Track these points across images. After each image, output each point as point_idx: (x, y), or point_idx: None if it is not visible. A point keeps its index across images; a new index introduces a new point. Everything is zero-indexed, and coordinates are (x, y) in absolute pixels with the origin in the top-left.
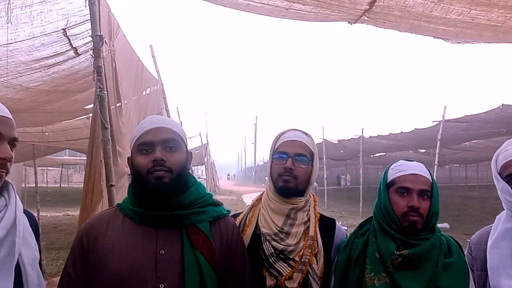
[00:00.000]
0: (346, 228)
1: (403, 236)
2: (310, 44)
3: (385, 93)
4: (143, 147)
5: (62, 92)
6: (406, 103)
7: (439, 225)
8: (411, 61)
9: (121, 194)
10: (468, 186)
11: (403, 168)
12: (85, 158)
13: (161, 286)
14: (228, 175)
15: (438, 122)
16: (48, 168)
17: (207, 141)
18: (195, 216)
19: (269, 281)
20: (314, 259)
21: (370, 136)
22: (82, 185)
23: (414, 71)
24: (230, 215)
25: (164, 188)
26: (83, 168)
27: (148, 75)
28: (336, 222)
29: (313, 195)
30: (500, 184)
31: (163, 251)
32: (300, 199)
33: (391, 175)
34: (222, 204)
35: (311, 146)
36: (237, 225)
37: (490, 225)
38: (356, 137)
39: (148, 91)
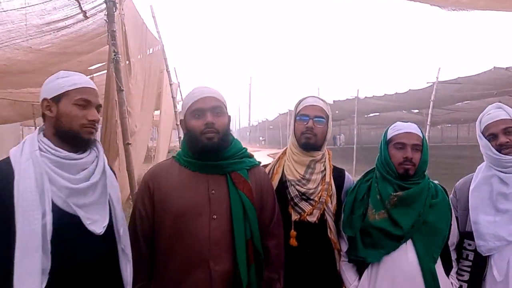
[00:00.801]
0: None
1: (399, 181)
2: (306, 5)
3: (381, 55)
4: (196, 112)
5: (69, 54)
6: (401, 64)
7: None
8: (407, 23)
9: (132, 150)
10: (459, 146)
11: (399, 128)
12: None
13: (214, 217)
14: None
15: (432, 84)
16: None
17: None
18: (236, 165)
19: (294, 216)
20: (329, 199)
21: (365, 97)
22: None
23: (409, 33)
24: (261, 165)
25: (214, 146)
26: None
27: (151, 36)
28: (346, 172)
29: (328, 150)
30: (483, 142)
31: (213, 191)
32: (318, 153)
33: (390, 134)
34: (254, 156)
35: (327, 110)
36: (267, 173)
37: (473, 173)
38: (351, 97)
39: (151, 51)
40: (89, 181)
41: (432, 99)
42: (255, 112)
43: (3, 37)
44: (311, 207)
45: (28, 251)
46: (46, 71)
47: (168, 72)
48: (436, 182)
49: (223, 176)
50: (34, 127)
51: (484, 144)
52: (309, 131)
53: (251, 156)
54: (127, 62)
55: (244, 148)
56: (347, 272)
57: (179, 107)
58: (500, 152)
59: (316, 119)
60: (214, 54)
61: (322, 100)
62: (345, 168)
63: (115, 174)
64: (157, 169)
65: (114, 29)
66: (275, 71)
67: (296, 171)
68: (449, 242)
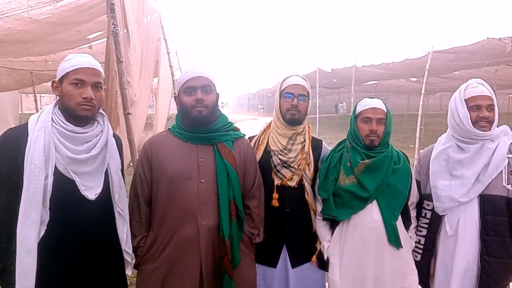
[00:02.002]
0: None
1: (366, 150)
2: None
3: (378, 24)
4: (188, 90)
5: (68, 23)
6: (398, 34)
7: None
8: None
9: (131, 119)
10: None
11: (366, 103)
12: None
13: (202, 180)
14: (222, 103)
15: (427, 53)
16: (41, 94)
17: None
18: (222, 136)
19: (277, 181)
20: (307, 167)
21: (363, 65)
22: None
23: (407, 3)
24: (247, 137)
25: (202, 118)
26: None
27: (148, 5)
28: (323, 142)
29: (308, 123)
30: (463, 111)
31: (202, 159)
32: (300, 127)
33: (358, 109)
34: (239, 130)
35: (308, 88)
36: (253, 144)
37: (434, 144)
38: (349, 66)
39: (148, 19)
40: (89, 153)
41: (426, 68)
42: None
43: (4, 8)
44: (291, 173)
45: (31, 205)
46: (45, 41)
47: (165, 40)
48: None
49: (211, 146)
50: (33, 94)
51: (463, 113)
52: (294, 108)
53: (236, 130)
54: (125, 30)
55: (230, 122)
56: (322, 229)
57: (176, 76)
58: (474, 125)
59: (300, 97)
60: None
61: (304, 78)
62: (342, 136)
63: (120, 142)
64: (154, 139)
65: (113, 2)
66: (274, 38)
67: (279, 142)
68: (409, 202)
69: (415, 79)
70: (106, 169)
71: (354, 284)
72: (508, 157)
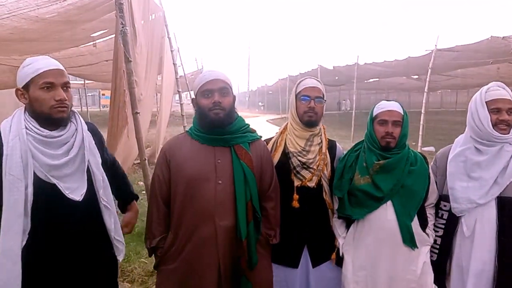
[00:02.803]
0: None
1: (382, 151)
2: None
3: (381, 22)
4: (206, 92)
5: (73, 22)
6: (401, 32)
7: (425, 149)
8: None
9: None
10: (457, 111)
11: (383, 106)
12: (81, 82)
13: (220, 182)
14: None
15: (430, 51)
16: None
17: (202, 66)
18: (239, 138)
19: (297, 182)
20: (325, 167)
21: (365, 63)
22: (108, 112)
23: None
24: (262, 139)
25: (220, 121)
26: (76, 92)
27: (152, 2)
28: (337, 143)
29: (322, 125)
30: (483, 112)
31: (219, 160)
32: (316, 128)
33: (375, 112)
34: (256, 131)
35: (323, 90)
36: (271, 146)
37: (451, 145)
38: (351, 64)
39: (153, 17)
40: (68, 156)
41: (430, 66)
42: (255, 77)
43: (11, 7)
44: (310, 174)
45: (13, 216)
46: (51, 39)
47: (169, 38)
48: (430, 148)
49: (228, 148)
50: None
51: (484, 115)
52: (311, 110)
53: (253, 131)
54: (132, 28)
55: (247, 124)
56: (338, 227)
57: (179, 73)
58: (494, 128)
59: (316, 99)
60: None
61: (319, 81)
62: (344, 134)
63: (96, 130)
64: (173, 141)
65: (122, 1)
66: (275, 35)
67: (298, 144)
68: (428, 202)
69: (416, 76)
70: (88, 167)
71: (366, 282)
72: None
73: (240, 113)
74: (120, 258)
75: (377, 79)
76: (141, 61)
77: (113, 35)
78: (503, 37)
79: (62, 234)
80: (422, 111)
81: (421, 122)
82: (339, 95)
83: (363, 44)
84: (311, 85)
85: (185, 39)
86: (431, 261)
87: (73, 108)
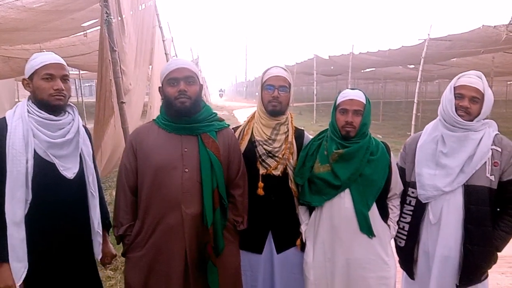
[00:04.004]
0: None
1: (342, 140)
2: None
3: (375, 12)
4: (171, 81)
5: (62, 11)
6: (395, 21)
7: None
8: None
9: (127, 108)
10: None
11: (345, 95)
12: (76, 72)
13: (186, 170)
14: (220, 91)
15: (423, 40)
16: None
17: (198, 56)
18: (206, 127)
19: (262, 171)
20: (291, 156)
21: (360, 53)
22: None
23: None
24: (231, 127)
25: (186, 109)
26: (73, 82)
27: None
28: (305, 132)
29: (290, 113)
30: (450, 95)
31: (186, 149)
32: (282, 117)
33: (338, 100)
34: (224, 120)
35: (289, 78)
36: (238, 134)
37: (420, 132)
38: (346, 53)
39: (143, 6)
40: (65, 138)
41: (423, 55)
42: (252, 67)
43: None
44: (276, 163)
45: (16, 186)
46: (40, 29)
47: (160, 28)
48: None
49: (195, 136)
50: None
51: (450, 98)
52: (275, 100)
53: (220, 120)
54: (119, 18)
55: (214, 113)
56: (302, 213)
57: None
58: (456, 112)
59: (281, 88)
60: (209, 9)
61: (285, 69)
62: None
63: (89, 132)
64: (139, 130)
65: None
66: (272, 26)
67: (264, 132)
68: (390, 194)
69: (412, 66)
70: (80, 154)
71: (325, 267)
72: (492, 149)
73: (237, 103)
74: (97, 254)
75: (373, 68)
76: (130, 51)
77: None
78: (495, 26)
79: (55, 208)
80: (415, 100)
81: (414, 112)
82: (336, 84)
83: (358, 34)
84: (276, 74)
85: (181, 29)
86: (399, 247)
87: (70, 103)
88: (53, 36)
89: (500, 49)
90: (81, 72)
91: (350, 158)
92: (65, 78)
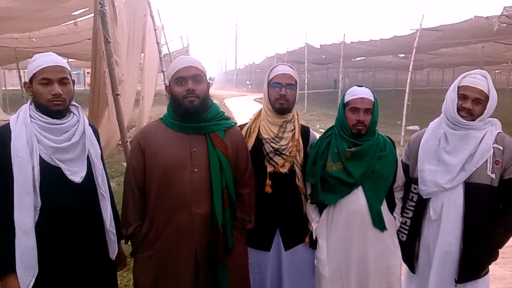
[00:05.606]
0: (323, 131)
1: (352, 139)
2: None
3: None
4: (179, 80)
5: (52, 1)
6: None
7: (410, 127)
8: None
9: (120, 98)
10: (444, 89)
11: (355, 93)
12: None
13: (195, 170)
14: (210, 79)
15: (415, 30)
16: (25, 70)
17: (188, 44)
18: (214, 126)
19: (269, 168)
20: (298, 153)
21: (351, 42)
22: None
23: None
24: (237, 125)
25: (194, 108)
26: None
27: None
28: (310, 129)
29: (296, 111)
30: (453, 95)
31: (195, 149)
32: (289, 115)
33: (347, 98)
34: (231, 119)
35: (295, 76)
36: (244, 132)
37: (425, 129)
38: (338, 42)
39: None
40: (70, 141)
41: (415, 45)
42: (242, 55)
43: None
44: (283, 160)
45: (23, 193)
46: (31, 17)
47: (152, 16)
48: (414, 126)
49: (203, 136)
50: (16, 70)
51: (453, 97)
52: (282, 98)
53: (228, 118)
54: (111, 6)
55: (221, 111)
56: (311, 212)
57: (163, 52)
58: (458, 112)
59: (288, 86)
60: None
61: (291, 67)
62: (330, 113)
63: (96, 131)
64: (147, 129)
65: None
66: (263, 13)
67: (271, 130)
68: (395, 185)
69: (403, 55)
70: (88, 156)
71: (339, 263)
72: (493, 147)
73: (227, 92)
74: (112, 254)
75: (364, 58)
76: (123, 41)
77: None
78: (487, 17)
79: (65, 214)
80: (407, 90)
81: (406, 101)
82: (326, 73)
83: (350, 23)
84: (283, 71)
85: (170, 17)
86: (401, 241)
87: (75, 103)
88: (43, 25)
89: (491, 40)
90: (70, 60)
91: (363, 155)
92: (63, 81)
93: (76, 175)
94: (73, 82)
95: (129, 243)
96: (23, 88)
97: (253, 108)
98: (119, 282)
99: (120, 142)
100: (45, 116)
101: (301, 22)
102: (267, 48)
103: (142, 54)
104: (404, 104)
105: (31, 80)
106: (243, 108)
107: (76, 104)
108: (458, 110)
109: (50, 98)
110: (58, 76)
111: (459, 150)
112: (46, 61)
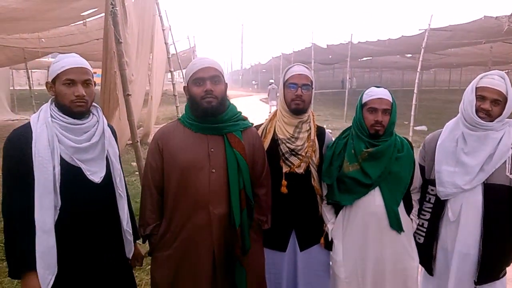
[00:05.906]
0: (330, 131)
1: (370, 139)
2: None
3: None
4: (197, 81)
5: (62, 1)
6: (395, 11)
7: (417, 128)
8: None
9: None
10: (450, 90)
11: (373, 93)
12: None
13: (213, 170)
14: None
15: (424, 30)
16: (32, 70)
17: (195, 44)
18: (232, 127)
19: (285, 169)
20: (314, 154)
21: (359, 42)
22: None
23: None
24: (253, 126)
25: (212, 109)
26: None
27: None
28: (326, 130)
29: (312, 112)
30: (471, 96)
31: (213, 149)
32: (305, 115)
33: (364, 99)
34: (247, 119)
35: (311, 76)
36: (260, 133)
37: (440, 130)
38: (344, 42)
39: None
40: (90, 142)
41: (423, 46)
42: (248, 55)
43: None
44: (299, 161)
45: (44, 193)
46: (40, 18)
47: (160, 17)
48: (422, 127)
49: (221, 136)
50: (24, 70)
51: (471, 99)
52: (298, 98)
53: (245, 119)
54: (122, 6)
55: (239, 112)
56: (327, 212)
57: (171, 52)
58: (476, 113)
59: (304, 87)
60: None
61: (307, 67)
62: (337, 113)
63: (114, 131)
64: (165, 129)
65: None
66: (269, 13)
67: (286, 131)
68: (412, 187)
69: (410, 55)
70: (106, 156)
71: (355, 265)
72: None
73: (234, 92)
74: (128, 253)
75: (370, 57)
76: (132, 42)
77: (103, 14)
78: (496, 17)
79: (84, 214)
80: (415, 90)
81: (414, 102)
82: (333, 73)
83: (357, 23)
84: (299, 72)
85: (177, 17)
86: (418, 243)
87: (95, 103)
88: (52, 25)
89: (501, 40)
90: None
91: (380, 156)
92: (87, 83)
93: (96, 175)
94: (95, 83)
95: (146, 242)
96: (31, 88)
97: (259, 109)
98: None
99: (128, 142)
100: (66, 116)
101: (308, 22)
102: (273, 48)
103: (151, 55)
104: (412, 105)
105: (53, 80)
106: (249, 108)
107: (96, 104)
108: (477, 111)
109: (74, 99)
110: (82, 78)
111: (477, 151)
112: (70, 62)
